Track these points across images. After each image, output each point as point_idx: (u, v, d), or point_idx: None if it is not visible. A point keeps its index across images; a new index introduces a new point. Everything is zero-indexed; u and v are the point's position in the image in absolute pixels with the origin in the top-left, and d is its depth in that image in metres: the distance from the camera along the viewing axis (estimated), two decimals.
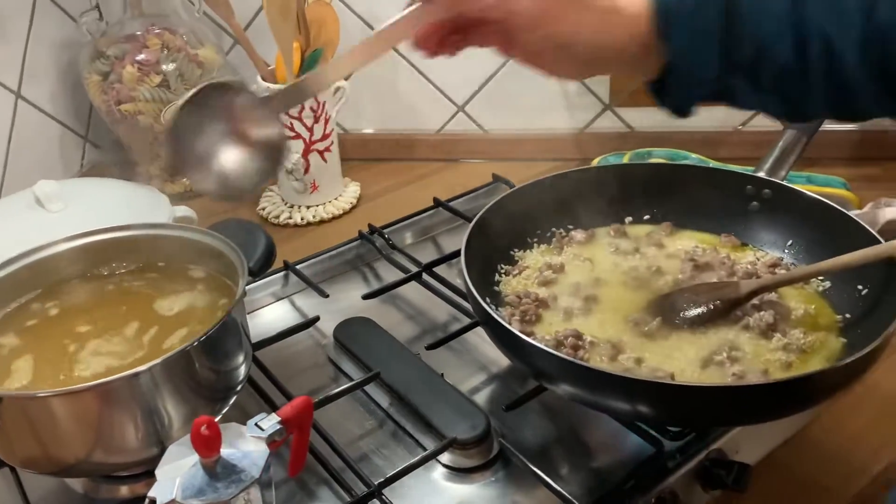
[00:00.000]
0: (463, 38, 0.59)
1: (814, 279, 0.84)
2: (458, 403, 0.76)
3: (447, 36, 0.58)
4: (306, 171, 1.17)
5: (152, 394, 0.65)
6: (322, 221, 1.17)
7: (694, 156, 1.17)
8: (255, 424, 0.56)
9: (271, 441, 0.56)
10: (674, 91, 0.59)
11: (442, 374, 0.81)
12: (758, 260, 0.87)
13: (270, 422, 0.56)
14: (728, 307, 0.78)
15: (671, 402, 0.63)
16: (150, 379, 0.65)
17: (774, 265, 0.85)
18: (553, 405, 0.78)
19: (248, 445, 0.55)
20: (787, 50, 0.56)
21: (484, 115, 1.33)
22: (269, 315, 0.97)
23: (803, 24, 0.56)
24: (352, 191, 1.23)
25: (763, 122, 1.26)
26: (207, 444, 0.52)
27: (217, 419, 0.73)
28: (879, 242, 0.77)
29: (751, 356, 0.74)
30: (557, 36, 0.56)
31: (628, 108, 1.30)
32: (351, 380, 0.82)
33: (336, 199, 1.21)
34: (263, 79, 1.14)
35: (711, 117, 1.28)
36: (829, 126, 1.23)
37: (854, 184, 1.12)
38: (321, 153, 1.17)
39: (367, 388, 0.81)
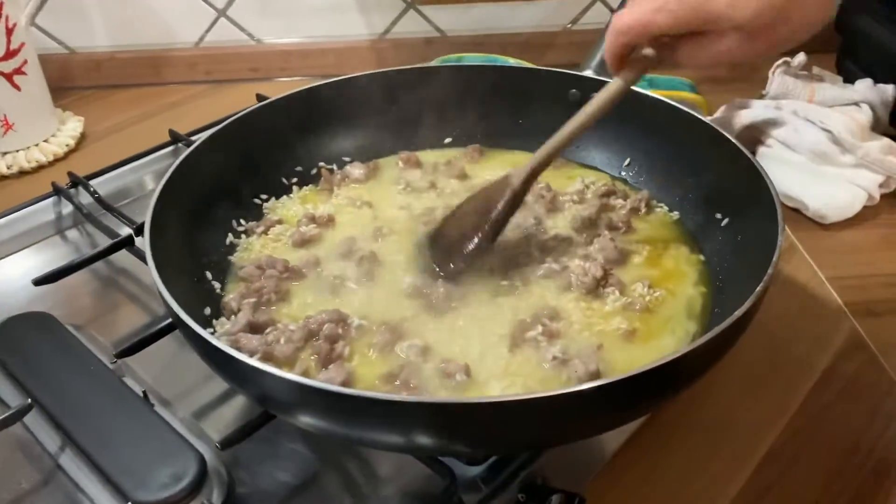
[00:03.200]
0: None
1: (660, 208, 0.63)
2: (159, 440, 0.50)
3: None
4: None
5: None
6: (23, 173, 0.85)
7: (513, 61, 0.94)
8: None
9: None
10: None
11: (144, 394, 0.54)
12: (587, 187, 0.65)
13: None
14: (507, 212, 0.57)
15: (458, 429, 0.39)
16: None
17: (609, 193, 0.64)
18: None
19: None
20: None
21: (253, 19, 1.03)
22: None
23: None
24: (70, 129, 0.91)
25: (598, 18, 1.05)
26: None
27: None
28: (738, 150, 0.57)
29: (578, 326, 0.52)
30: None
31: (435, 7, 1.04)
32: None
33: (45, 141, 0.88)
34: None
35: (534, 15, 1.04)
36: None
37: (700, 87, 0.93)
38: (9, 77, 0.84)
39: (29, 425, 0.53)
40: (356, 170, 0.68)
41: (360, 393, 0.38)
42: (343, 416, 0.40)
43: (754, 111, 0.79)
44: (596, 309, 0.53)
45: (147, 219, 0.50)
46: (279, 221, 0.63)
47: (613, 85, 0.54)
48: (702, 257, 0.58)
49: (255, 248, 0.61)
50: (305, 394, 0.39)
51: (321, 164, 0.69)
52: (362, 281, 0.57)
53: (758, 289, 0.43)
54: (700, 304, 0.54)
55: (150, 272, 0.46)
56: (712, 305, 0.54)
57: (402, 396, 0.42)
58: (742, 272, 0.53)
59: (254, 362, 0.40)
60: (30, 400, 0.52)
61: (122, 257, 0.67)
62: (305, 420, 0.42)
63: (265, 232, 0.61)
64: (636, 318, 0.53)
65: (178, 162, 0.57)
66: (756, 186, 0.55)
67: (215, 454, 0.51)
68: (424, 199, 0.66)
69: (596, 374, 0.46)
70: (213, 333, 0.52)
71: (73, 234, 0.73)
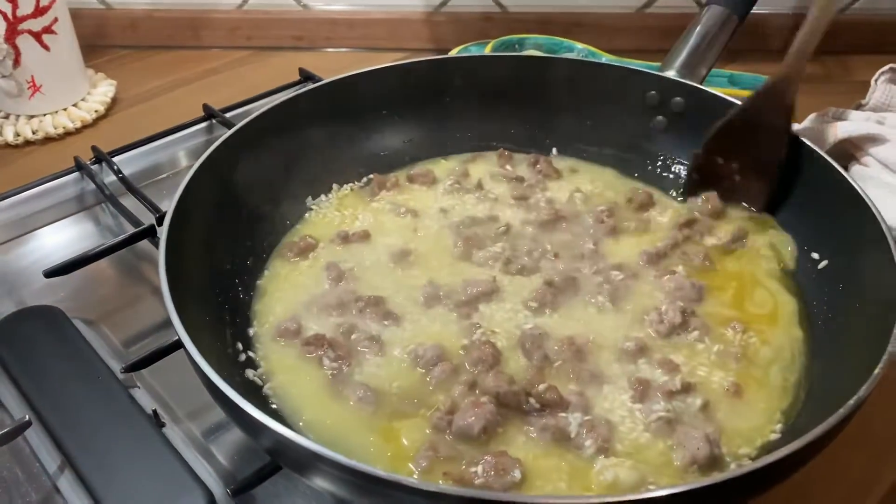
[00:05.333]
0: None
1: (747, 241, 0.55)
2: (165, 471, 0.45)
3: None
4: (16, 62, 0.78)
5: None
6: (48, 139, 0.80)
7: (580, 46, 0.85)
8: None
9: None
10: None
11: (154, 413, 0.49)
12: (658, 214, 0.57)
13: None
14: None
15: None
16: None
17: (690, 223, 0.56)
18: None
19: None
20: None
21: None
22: None
23: None
24: (101, 94, 0.85)
25: (675, 3, 0.95)
26: None
27: None
28: (833, 169, 0.51)
29: (667, 376, 0.45)
30: None
31: None
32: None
33: (74, 105, 0.83)
34: None
35: None
36: (757, 7, 0.92)
37: None
38: (38, 36, 0.78)
39: (30, 439, 0.49)
40: (404, 174, 0.61)
41: (387, 476, 0.32)
42: (358, 490, 0.34)
43: (852, 124, 0.70)
44: (686, 356, 0.47)
45: (162, 244, 0.44)
46: (311, 246, 0.55)
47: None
48: (796, 299, 0.50)
49: (282, 274, 0.54)
50: (322, 464, 0.34)
51: (362, 170, 0.62)
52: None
53: (875, 372, 0.36)
54: (802, 353, 0.47)
55: (164, 300, 0.41)
56: (813, 353, 0.47)
57: (435, 486, 0.36)
58: (848, 323, 0.46)
59: (263, 418, 0.34)
60: (27, 417, 0.47)
61: (145, 244, 0.62)
62: (320, 486, 0.36)
63: (304, 256, 0.55)
64: (736, 370, 0.46)
65: (203, 158, 0.51)
66: (863, 227, 0.47)
67: (225, 489, 0.46)
68: (471, 208, 0.59)
69: (717, 444, 0.40)
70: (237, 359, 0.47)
71: (94, 214, 0.68)
